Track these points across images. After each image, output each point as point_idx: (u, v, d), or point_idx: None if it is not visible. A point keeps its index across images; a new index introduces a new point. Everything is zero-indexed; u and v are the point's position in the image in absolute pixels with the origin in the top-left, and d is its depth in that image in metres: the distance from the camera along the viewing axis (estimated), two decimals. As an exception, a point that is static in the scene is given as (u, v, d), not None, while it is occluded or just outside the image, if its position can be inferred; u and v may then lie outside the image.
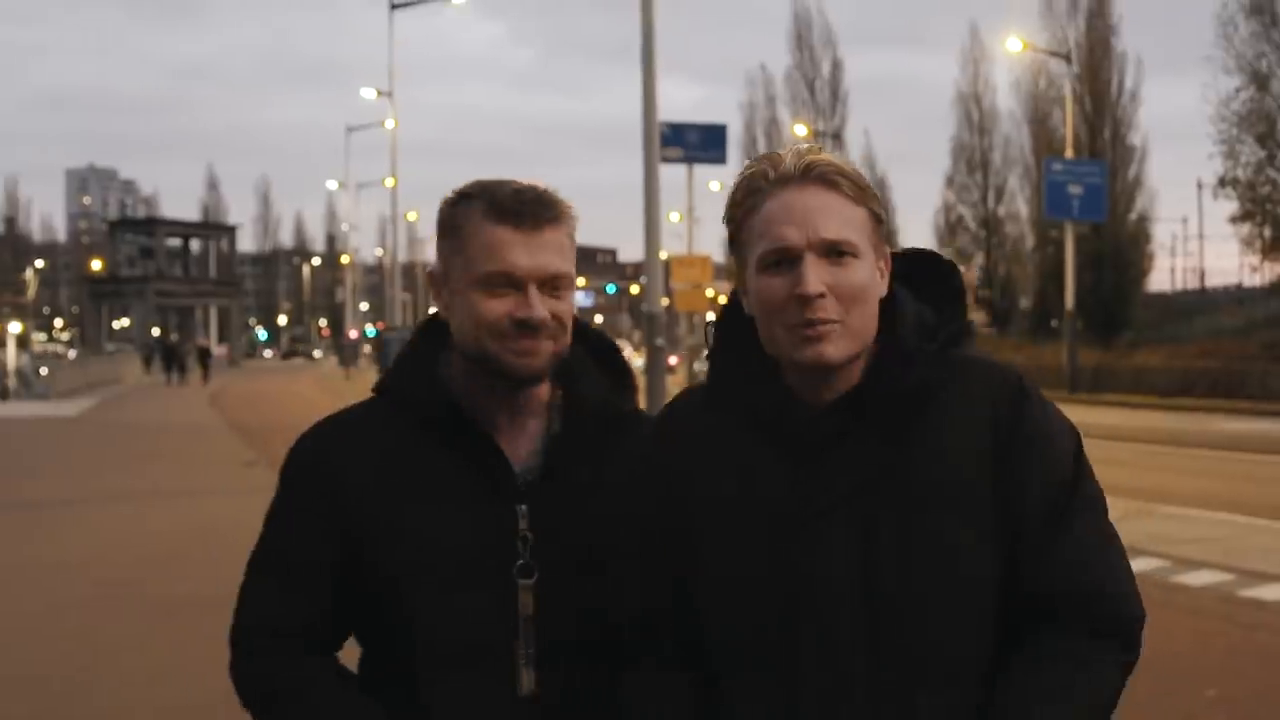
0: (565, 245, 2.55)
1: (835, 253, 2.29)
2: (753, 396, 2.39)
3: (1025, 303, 70.21)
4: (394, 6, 54.92)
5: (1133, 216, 62.43)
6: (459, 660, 2.51)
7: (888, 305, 2.38)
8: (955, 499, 2.28)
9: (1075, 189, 47.64)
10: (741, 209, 2.37)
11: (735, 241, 2.40)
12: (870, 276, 2.32)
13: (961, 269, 2.51)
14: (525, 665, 2.52)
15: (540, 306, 2.50)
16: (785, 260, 2.30)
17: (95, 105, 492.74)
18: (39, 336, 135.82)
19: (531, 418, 2.63)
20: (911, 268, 2.47)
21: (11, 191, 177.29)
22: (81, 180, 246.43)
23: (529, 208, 2.51)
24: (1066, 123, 53.30)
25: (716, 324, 2.51)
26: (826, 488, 2.31)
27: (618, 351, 2.77)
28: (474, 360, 2.55)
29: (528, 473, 2.59)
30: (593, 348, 2.74)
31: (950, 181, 71.37)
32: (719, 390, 2.46)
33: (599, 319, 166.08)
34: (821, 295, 2.27)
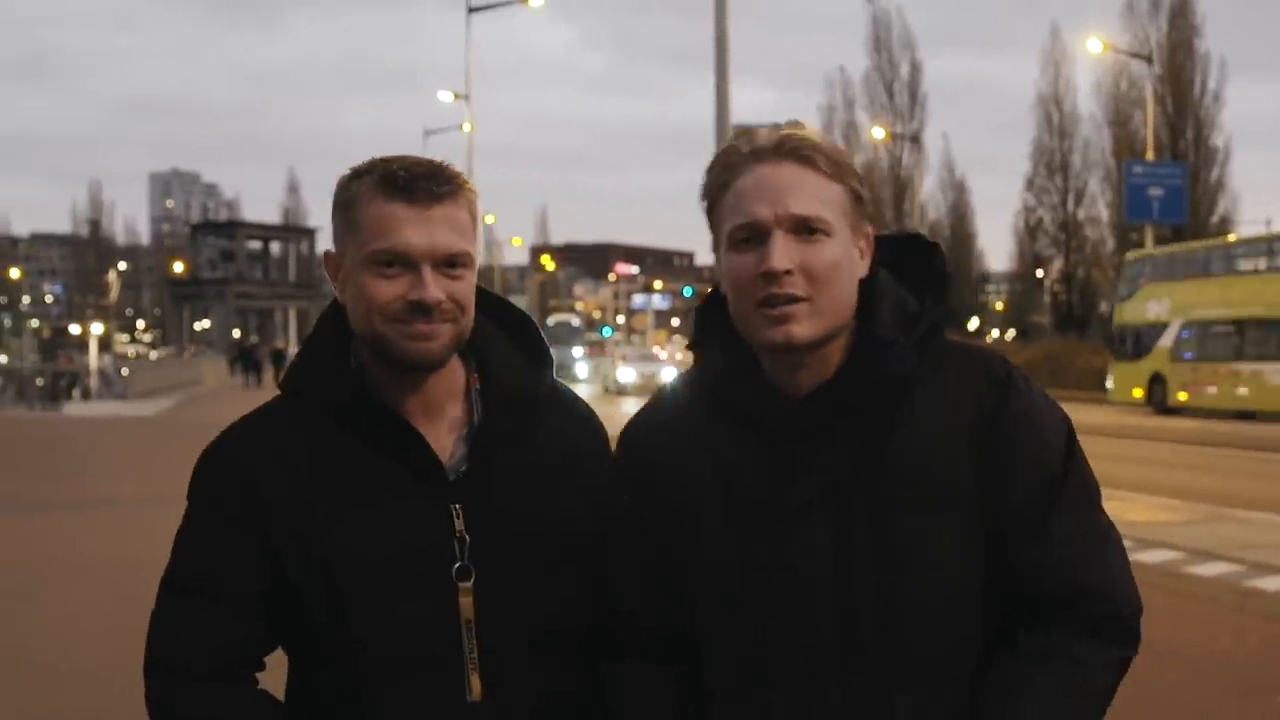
0: (463, 222, 2.40)
1: (805, 230, 2.22)
2: (732, 388, 2.34)
3: (1105, 306, 69.64)
4: (471, 10, 55.10)
5: (1215, 219, 61.93)
6: (404, 670, 2.38)
7: (868, 290, 2.31)
8: (935, 494, 2.22)
9: (1155, 191, 47.26)
10: (716, 186, 2.31)
11: (711, 219, 2.34)
12: (843, 255, 2.25)
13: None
14: (472, 670, 2.39)
15: (435, 288, 2.35)
16: (754, 236, 2.24)
17: (179, 110, 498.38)
18: (122, 338, 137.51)
19: (449, 406, 2.50)
20: (896, 252, 2.39)
21: (96, 195, 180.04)
22: (165, 184, 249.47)
23: (422, 182, 2.36)
24: (1147, 124, 52.82)
25: (699, 312, 2.44)
26: (802, 483, 2.25)
27: (527, 322, 2.62)
28: (370, 346, 2.42)
29: (455, 466, 2.45)
30: (501, 321, 2.59)
31: (1030, 184, 71.04)
32: (700, 382, 2.41)
33: (675, 321, 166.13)
34: (789, 272, 2.20)
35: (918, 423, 2.24)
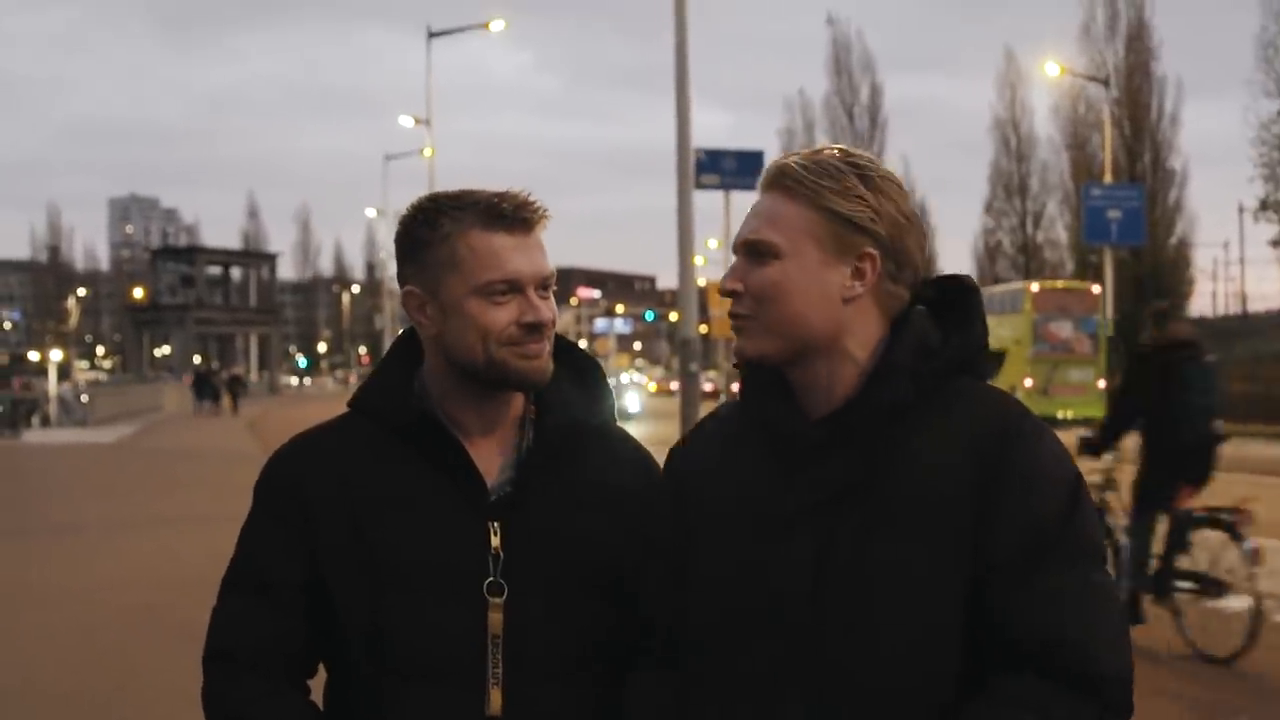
0: (544, 245, 2.56)
1: (754, 252, 2.33)
2: (760, 403, 2.40)
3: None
4: (432, 35, 55.06)
5: (1173, 241, 62.43)
6: (426, 677, 2.47)
7: (899, 321, 2.33)
8: (920, 527, 2.20)
9: (1114, 213, 47.43)
10: None
11: None
12: (792, 276, 2.29)
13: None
14: (494, 685, 2.46)
15: (544, 307, 2.51)
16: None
17: (135, 135, 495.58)
18: (81, 364, 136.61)
19: (506, 430, 2.61)
20: (941, 291, 2.40)
21: (55, 221, 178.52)
22: (124, 209, 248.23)
23: (520, 211, 2.50)
24: (1105, 147, 53.14)
25: None
26: (791, 498, 2.28)
27: (592, 364, 2.73)
28: (475, 372, 2.52)
29: (500, 488, 2.56)
30: (566, 361, 2.68)
31: (989, 207, 71.27)
32: (743, 399, 2.46)
33: (638, 345, 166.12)
34: (734, 292, 2.34)
35: (917, 456, 2.24)
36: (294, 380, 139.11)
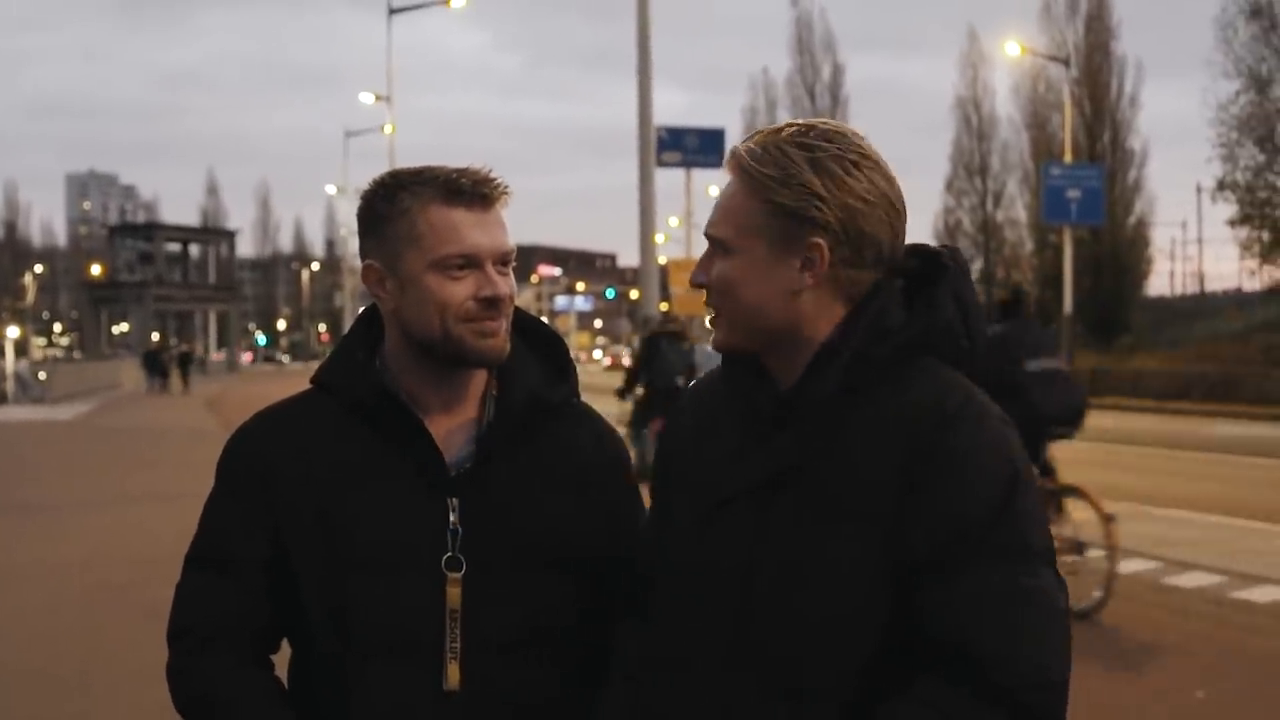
0: (505, 221, 2.56)
1: (716, 246, 2.30)
2: (737, 374, 2.37)
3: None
4: (392, 11, 54.80)
5: (1132, 221, 62.66)
6: (384, 652, 2.47)
7: (858, 305, 2.26)
8: (850, 514, 2.16)
9: (1073, 193, 47.60)
10: None
11: None
12: (743, 272, 2.25)
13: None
14: (451, 659, 2.47)
15: (502, 283, 2.51)
16: None
17: (94, 111, 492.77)
18: (39, 341, 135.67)
19: (467, 406, 2.61)
20: (923, 264, 2.33)
21: (11, 196, 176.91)
22: (82, 185, 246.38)
23: (480, 187, 2.50)
24: (1065, 127, 53.28)
25: None
26: (733, 478, 2.28)
27: (556, 340, 2.73)
28: (431, 347, 2.52)
29: (460, 464, 2.56)
30: (530, 338, 2.69)
31: (949, 186, 71.33)
32: (724, 374, 2.44)
33: (599, 323, 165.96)
34: (702, 285, 2.33)
35: (851, 438, 2.18)
36: (281, 357, 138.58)
